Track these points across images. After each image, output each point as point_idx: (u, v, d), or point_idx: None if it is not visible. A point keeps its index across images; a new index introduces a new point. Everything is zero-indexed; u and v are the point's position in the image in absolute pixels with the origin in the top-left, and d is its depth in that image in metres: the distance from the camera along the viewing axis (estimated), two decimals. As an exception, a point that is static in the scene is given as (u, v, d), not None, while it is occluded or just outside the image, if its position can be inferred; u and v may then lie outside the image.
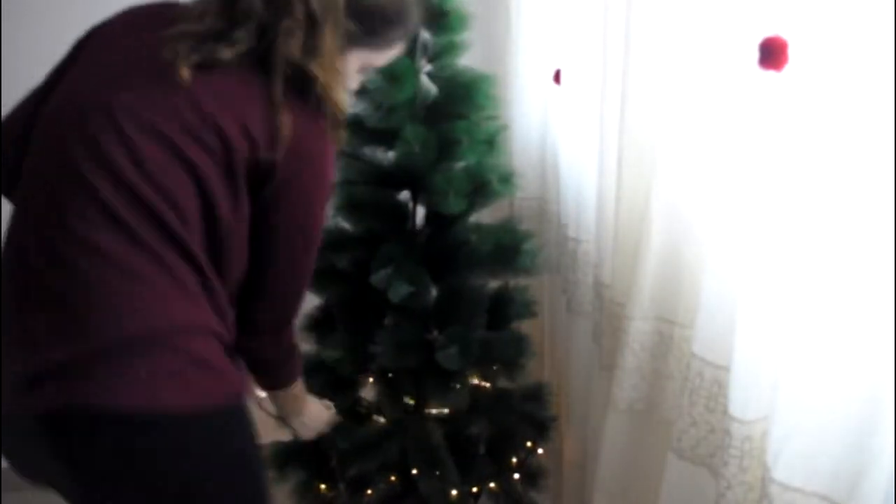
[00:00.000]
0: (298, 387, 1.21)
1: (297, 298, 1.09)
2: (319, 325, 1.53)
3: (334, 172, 1.04)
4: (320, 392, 1.40)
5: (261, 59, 0.93)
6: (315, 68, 0.94)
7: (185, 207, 0.92)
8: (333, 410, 1.33)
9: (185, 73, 0.89)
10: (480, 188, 1.39)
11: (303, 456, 1.56)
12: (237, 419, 1.00)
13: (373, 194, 1.41)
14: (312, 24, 0.93)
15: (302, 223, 1.02)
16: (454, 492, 1.40)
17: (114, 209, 0.89)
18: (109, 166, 0.89)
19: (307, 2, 0.92)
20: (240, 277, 1.02)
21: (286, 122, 0.92)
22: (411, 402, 1.45)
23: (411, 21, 1.05)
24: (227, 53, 0.92)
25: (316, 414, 1.29)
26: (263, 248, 1.00)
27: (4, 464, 2.21)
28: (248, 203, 0.97)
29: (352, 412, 1.50)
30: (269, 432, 1.61)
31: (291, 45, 0.92)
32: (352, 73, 1.05)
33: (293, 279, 1.06)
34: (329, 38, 0.95)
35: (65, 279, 0.90)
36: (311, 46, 0.93)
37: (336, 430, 1.38)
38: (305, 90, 0.94)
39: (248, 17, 0.92)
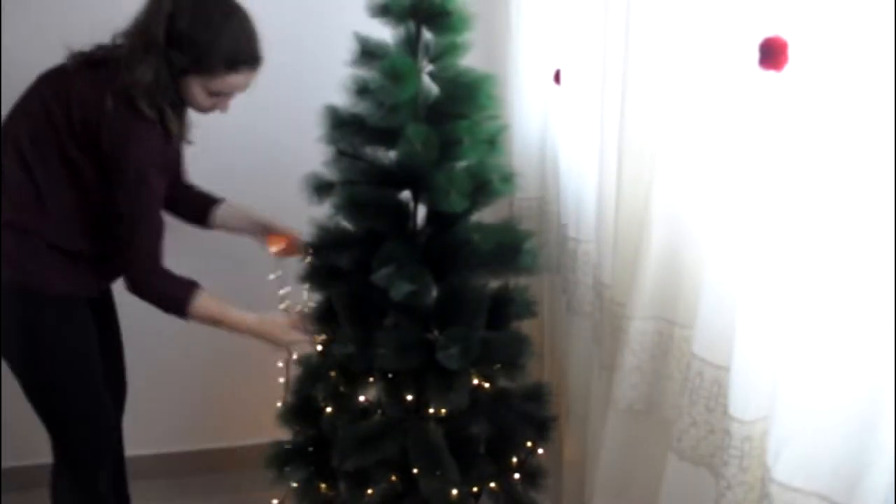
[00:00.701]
0: (207, 314, 1.52)
1: (138, 243, 1.46)
2: (321, 321, 1.53)
3: (146, 154, 1.42)
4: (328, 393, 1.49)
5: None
6: (134, 84, 1.39)
7: (42, 142, 1.44)
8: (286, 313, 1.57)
9: (71, 64, 1.46)
10: (482, 188, 1.39)
11: (303, 455, 1.56)
12: (32, 306, 1.47)
13: (374, 194, 1.41)
14: (145, 52, 1.39)
15: (123, 182, 1.42)
16: (454, 491, 1.40)
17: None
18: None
19: (141, 37, 1.40)
20: (100, 210, 1.46)
21: (108, 108, 1.38)
22: (412, 401, 1.45)
23: (225, 49, 1.41)
24: (99, 53, 1.46)
25: (256, 328, 1.55)
26: (111, 196, 1.43)
27: (4, 464, 2.21)
28: (94, 150, 1.41)
29: (353, 407, 1.50)
30: (269, 431, 1.62)
31: (130, 66, 1.39)
32: (199, 96, 1.47)
33: (130, 224, 1.44)
34: (152, 65, 1.39)
35: None
36: (135, 69, 1.39)
37: (337, 423, 1.40)
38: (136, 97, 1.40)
39: (127, 37, 1.43)
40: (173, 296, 1.49)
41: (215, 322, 1.53)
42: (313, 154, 1.50)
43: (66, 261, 1.49)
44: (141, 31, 1.40)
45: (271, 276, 1.64)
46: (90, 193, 1.46)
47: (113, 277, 1.62)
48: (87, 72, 1.44)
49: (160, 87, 1.40)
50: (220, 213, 1.73)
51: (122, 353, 1.76)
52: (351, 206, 1.41)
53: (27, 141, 1.45)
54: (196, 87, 1.44)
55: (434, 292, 1.39)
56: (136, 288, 1.48)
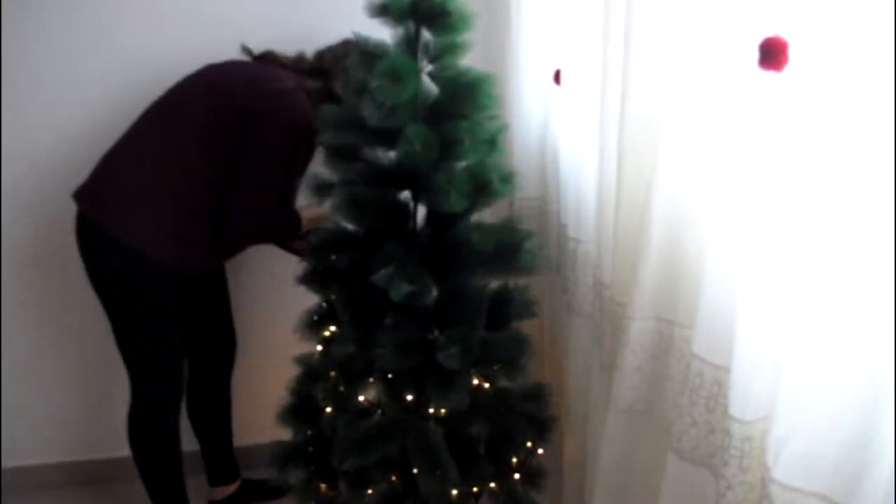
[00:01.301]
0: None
1: (257, 192, 1.65)
2: (320, 322, 1.54)
3: (294, 123, 1.65)
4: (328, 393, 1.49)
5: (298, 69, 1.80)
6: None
7: (197, 118, 1.68)
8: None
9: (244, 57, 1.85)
10: (481, 188, 1.39)
11: (303, 455, 1.56)
12: (152, 274, 1.66)
13: (374, 194, 1.41)
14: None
15: (260, 144, 1.64)
16: (454, 492, 1.40)
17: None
18: None
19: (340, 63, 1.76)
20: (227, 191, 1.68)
21: (278, 87, 1.68)
22: (412, 401, 1.45)
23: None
24: (283, 59, 1.81)
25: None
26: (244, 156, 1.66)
27: (4, 464, 2.20)
28: (239, 125, 1.63)
29: (353, 407, 1.50)
30: (269, 431, 1.61)
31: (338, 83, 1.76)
32: None
33: (254, 178, 1.64)
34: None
35: None
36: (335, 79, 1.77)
37: (337, 423, 1.41)
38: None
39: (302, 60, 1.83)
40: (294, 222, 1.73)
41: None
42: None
43: (183, 240, 1.67)
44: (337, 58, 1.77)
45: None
46: (226, 173, 1.64)
47: (220, 260, 1.87)
48: (256, 62, 1.81)
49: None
50: None
51: (231, 317, 2.04)
52: (350, 205, 1.41)
53: (185, 119, 1.67)
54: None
55: (434, 292, 1.39)
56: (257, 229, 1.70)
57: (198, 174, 1.66)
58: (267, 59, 1.81)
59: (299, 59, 1.81)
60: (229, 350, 2.06)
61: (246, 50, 1.83)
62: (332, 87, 1.75)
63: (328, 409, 1.52)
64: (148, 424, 1.82)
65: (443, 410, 1.42)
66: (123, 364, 1.77)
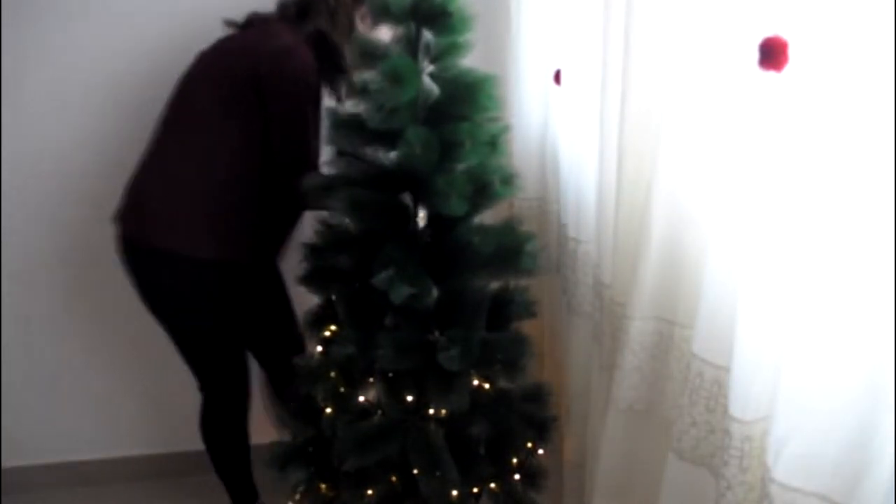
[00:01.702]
0: None
1: (304, 158, 1.63)
2: (320, 322, 1.54)
3: (307, 83, 1.61)
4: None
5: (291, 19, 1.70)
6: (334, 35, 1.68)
7: (209, 106, 1.67)
8: None
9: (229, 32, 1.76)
10: (482, 190, 1.38)
11: (303, 456, 1.56)
12: (209, 272, 1.66)
13: (374, 195, 1.41)
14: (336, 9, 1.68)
15: (284, 110, 1.62)
16: (454, 492, 1.40)
17: None
18: None
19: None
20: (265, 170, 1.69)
21: (275, 46, 1.61)
22: (412, 402, 1.45)
23: None
24: (268, 16, 1.73)
25: None
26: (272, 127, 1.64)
27: (4, 464, 2.20)
28: (255, 95, 1.61)
29: (353, 408, 1.50)
30: (269, 431, 1.61)
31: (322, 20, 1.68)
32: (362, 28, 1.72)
33: (293, 145, 1.63)
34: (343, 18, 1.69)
35: None
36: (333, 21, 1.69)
37: (337, 423, 1.41)
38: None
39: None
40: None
41: None
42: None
43: (221, 234, 1.65)
44: None
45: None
46: (258, 149, 1.62)
47: (273, 252, 1.81)
48: (244, 32, 1.72)
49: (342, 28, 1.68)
50: None
51: (295, 322, 1.94)
52: (351, 206, 1.41)
53: (193, 110, 1.65)
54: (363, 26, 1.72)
55: (434, 294, 1.39)
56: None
57: (221, 169, 1.64)
58: (255, 25, 1.74)
59: (284, 6, 1.73)
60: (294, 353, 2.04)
61: (229, 23, 1.77)
62: (321, 26, 1.66)
63: (328, 410, 1.51)
64: (220, 425, 1.92)
65: (443, 411, 1.42)
66: (191, 369, 1.83)
